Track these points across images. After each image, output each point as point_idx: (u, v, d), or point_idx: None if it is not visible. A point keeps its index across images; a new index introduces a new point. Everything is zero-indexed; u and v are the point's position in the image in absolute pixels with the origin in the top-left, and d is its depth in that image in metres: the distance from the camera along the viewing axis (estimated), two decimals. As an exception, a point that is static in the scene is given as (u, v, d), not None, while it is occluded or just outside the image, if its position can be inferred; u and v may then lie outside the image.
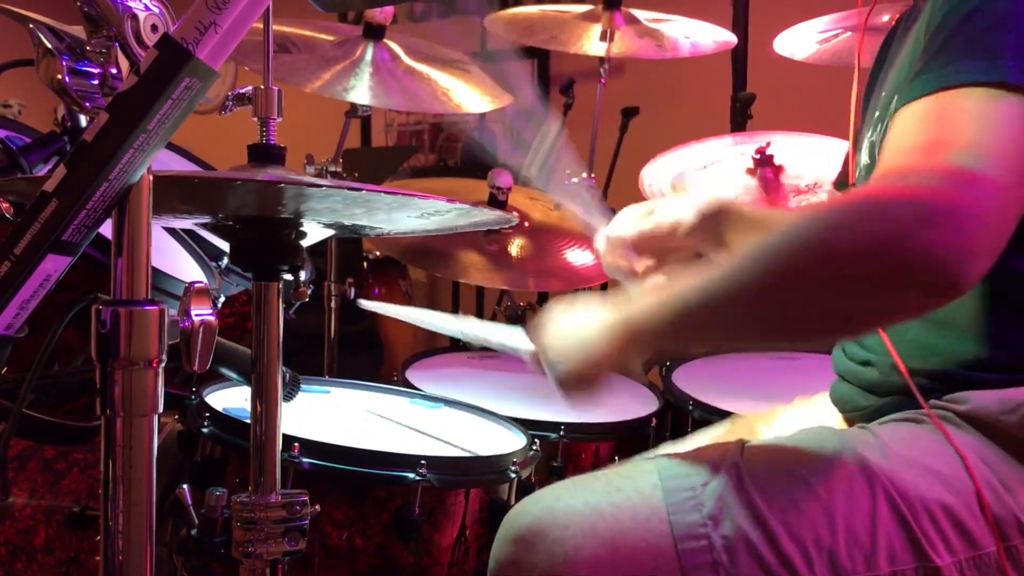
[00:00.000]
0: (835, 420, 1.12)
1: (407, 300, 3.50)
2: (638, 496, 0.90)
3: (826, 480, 0.90)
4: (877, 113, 1.04)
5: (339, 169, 2.03)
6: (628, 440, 1.62)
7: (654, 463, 0.94)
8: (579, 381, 0.99)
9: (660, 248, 1.16)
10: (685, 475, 0.91)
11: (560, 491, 0.94)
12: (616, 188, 2.94)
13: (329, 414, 1.44)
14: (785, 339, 0.96)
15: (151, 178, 0.69)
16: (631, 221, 1.18)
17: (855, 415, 1.06)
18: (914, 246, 0.74)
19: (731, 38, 2.40)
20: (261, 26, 0.89)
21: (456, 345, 3.63)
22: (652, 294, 0.95)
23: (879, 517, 0.88)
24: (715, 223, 1.14)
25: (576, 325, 0.99)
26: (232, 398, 1.34)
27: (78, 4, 0.66)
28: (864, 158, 1.08)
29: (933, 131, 0.82)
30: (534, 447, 1.34)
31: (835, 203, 0.80)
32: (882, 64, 1.14)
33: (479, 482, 1.23)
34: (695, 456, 0.95)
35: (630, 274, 1.16)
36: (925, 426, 0.95)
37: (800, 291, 0.82)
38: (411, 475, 1.13)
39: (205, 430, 1.20)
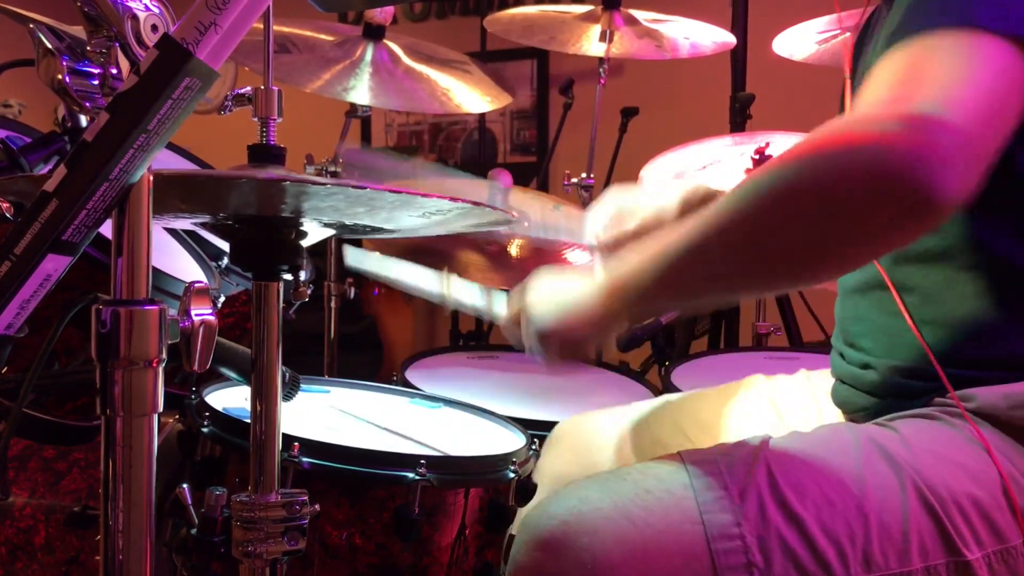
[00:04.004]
0: (833, 411, 1.12)
1: (407, 300, 3.51)
2: (669, 497, 0.87)
3: (856, 475, 0.88)
4: None
5: (339, 169, 2.03)
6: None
7: (681, 460, 0.91)
8: (562, 342, 0.98)
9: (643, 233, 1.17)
10: (716, 473, 0.88)
11: (585, 492, 0.90)
12: (616, 188, 2.95)
13: (329, 413, 1.44)
14: (769, 280, 0.90)
15: (151, 178, 0.69)
16: (617, 201, 1.21)
17: (859, 415, 1.05)
18: (890, 167, 0.74)
19: (730, 39, 2.41)
20: (261, 26, 0.89)
21: (456, 345, 3.62)
22: (636, 252, 0.93)
23: (910, 511, 0.86)
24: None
25: (562, 287, 0.99)
26: (232, 398, 1.34)
27: (78, 4, 0.66)
28: None
29: (902, 79, 0.81)
30: (534, 447, 1.34)
31: (810, 145, 0.79)
32: (857, 63, 1.14)
33: (479, 482, 1.23)
34: (723, 452, 0.92)
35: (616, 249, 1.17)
36: (939, 421, 0.94)
37: (782, 226, 0.80)
38: (411, 475, 1.13)
39: (205, 430, 1.20)
